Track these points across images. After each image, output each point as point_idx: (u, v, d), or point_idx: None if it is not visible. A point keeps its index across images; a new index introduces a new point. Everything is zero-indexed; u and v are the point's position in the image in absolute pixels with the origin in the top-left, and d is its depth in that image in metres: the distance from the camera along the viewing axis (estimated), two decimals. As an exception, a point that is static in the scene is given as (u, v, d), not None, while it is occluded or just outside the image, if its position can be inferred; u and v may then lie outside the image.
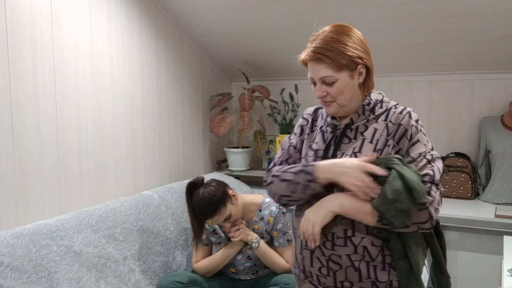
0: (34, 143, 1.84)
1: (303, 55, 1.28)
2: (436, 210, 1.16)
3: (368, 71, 1.28)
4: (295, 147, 1.40)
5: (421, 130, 1.24)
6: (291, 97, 3.03)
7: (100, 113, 2.17)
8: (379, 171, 1.15)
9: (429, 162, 1.19)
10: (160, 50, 2.59)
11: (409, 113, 1.25)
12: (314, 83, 1.28)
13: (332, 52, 1.21)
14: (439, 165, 1.20)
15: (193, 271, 2.12)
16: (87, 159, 2.10)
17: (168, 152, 2.69)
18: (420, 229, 1.18)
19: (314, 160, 1.29)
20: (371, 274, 1.23)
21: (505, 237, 1.96)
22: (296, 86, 3.04)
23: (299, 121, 1.44)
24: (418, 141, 1.22)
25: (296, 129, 1.44)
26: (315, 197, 1.26)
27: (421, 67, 2.76)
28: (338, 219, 1.22)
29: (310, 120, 1.41)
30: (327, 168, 1.22)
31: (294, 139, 1.42)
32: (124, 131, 2.33)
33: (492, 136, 2.54)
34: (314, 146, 1.32)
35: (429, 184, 1.16)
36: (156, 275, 2.07)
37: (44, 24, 1.87)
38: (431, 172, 1.17)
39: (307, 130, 1.39)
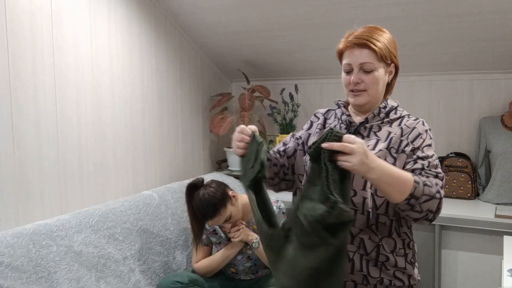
0: (34, 143, 1.84)
1: (342, 44, 1.30)
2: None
3: (395, 73, 1.35)
4: (298, 138, 1.45)
5: (431, 138, 1.30)
6: (291, 97, 3.03)
7: (100, 113, 2.17)
8: None
9: (437, 164, 1.26)
10: (160, 50, 2.59)
11: (423, 121, 1.32)
12: (348, 71, 1.30)
13: (377, 41, 1.26)
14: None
15: (193, 271, 2.12)
16: (87, 159, 2.10)
17: (168, 152, 2.69)
18: (427, 220, 1.21)
19: None
20: (363, 268, 1.26)
21: (505, 237, 1.96)
22: (296, 86, 3.04)
23: (310, 118, 1.49)
24: (430, 145, 1.29)
25: (305, 125, 1.48)
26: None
27: (421, 67, 2.76)
28: None
29: (322, 118, 1.45)
30: None
31: (300, 133, 1.47)
32: (124, 131, 2.33)
33: (492, 136, 2.54)
34: None
35: (441, 182, 1.22)
36: (156, 275, 2.07)
37: (44, 24, 1.86)
38: (441, 173, 1.25)
39: (318, 126, 1.42)
